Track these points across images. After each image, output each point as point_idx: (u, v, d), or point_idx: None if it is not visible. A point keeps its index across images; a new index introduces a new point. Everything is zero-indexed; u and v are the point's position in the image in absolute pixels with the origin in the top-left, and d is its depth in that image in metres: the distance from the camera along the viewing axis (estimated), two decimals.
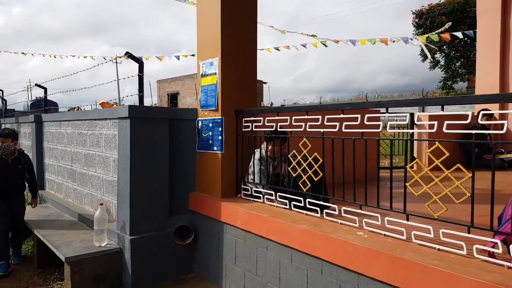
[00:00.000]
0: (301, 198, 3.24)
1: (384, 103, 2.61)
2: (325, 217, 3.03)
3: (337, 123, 2.90)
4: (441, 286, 1.99)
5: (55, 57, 14.08)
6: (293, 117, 3.30)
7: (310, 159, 3.17)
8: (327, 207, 3.05)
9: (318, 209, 3.11)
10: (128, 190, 3.96)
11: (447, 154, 2.19)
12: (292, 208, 3.34)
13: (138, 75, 4.14)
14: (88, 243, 4.15)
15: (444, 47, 26.09)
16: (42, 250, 4.65)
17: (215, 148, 4.06)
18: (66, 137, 5.84)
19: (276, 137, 3.66)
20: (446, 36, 12.59)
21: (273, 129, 3.58)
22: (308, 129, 3.16)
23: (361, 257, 2.43)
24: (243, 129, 3.93)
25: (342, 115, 2.86)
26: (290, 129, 3.40)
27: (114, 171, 4.44)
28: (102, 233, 4.09)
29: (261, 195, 3.72)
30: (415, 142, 6.47)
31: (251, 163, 3.93)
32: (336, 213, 2.95)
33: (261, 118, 3.67)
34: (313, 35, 12.55)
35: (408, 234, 2.44)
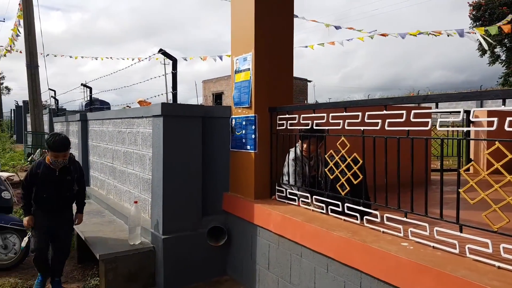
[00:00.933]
0: (339, 203, 2.98)
1: (434, 97, 2.29)
2: (365, 224, 2.74)
3: (379, 121, 2.61)
4: None
5: (106, 58, 14.65)
6: (330, 114, 3.04)
7: (349, 159, 2.90)
8: (368, 213, 2.77)
9: (357, 215, 2.83)
10: (161, 189, 3.88)
11: (510, 156, 1.84)
12: (329, 213, 3.07)
13: (172, 72, 4.06)
14: (123, 241, 4.13)
15: (505, 40, 24.32)
16: (82, 246, 4.70)
17: (248, 147, 3.88)
18: (108, 135, 5.92)
19: (312, 136, 3.41)
20: (508, 27, 11.58)
21: (308, 127, 3.34)
22: (346, 127, 2.88)
23: (406, 271, 2.13)
24: (277, 127, 3.72)
25: (384, 112, 2.57)
26: (327, 127, 3.15)
27: (149, 169, 4.40)
28: (136, 231, 4.05)
29: (296, 198, 3.49)
30: (472, 143, 5.91)
31: (286, 163, 3.70)
32: (378, 220, 2.66)
33: (296, 116, 3.44)
34: (359, 30, 12.06)
35: (461, 247, 2.11)
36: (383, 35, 12.10)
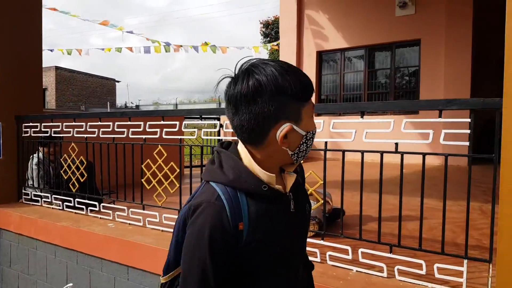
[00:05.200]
0: (71, 199, 3.52)
1: (129, 113, 3.09)
2: (89, 213, 3.37)
3: (96, 130, 3.28)
4: (150, 257, 2.54)
5: None
6: (64, 123, 3.55)
7: (77, 162, 3.47)
8: (92, 205, 3.40)
9: (84, 207, 3.44)
10: None
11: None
12: (65, 209, 3.58)
13: None
14: None
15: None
16: None
17: None
18: None
19: (51, 141, 3.84)
20: (275, 47, 14.51)
21: (48, 134, 3.76)
22: (75, 135, 3.45)
23: (102, 244, 2.85)
24: (23, 135, 3.99)
25: (99, 122, 3.25)
26: (63, 135, 3.64)
27: None
28: None
29: (39, 199, 3.86)
30: None
31: (30, 168, 4.01)
32: (97, 209, 3.33)
33: (38, 124, 3.81)
34: (153, 41, 12.75)
35: (144, 221, 2.96)
36: (177, 46, 13.14)
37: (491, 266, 1.87)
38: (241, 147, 0.97)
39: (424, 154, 1.94)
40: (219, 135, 2.84)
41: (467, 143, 1.76)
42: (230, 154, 0.96)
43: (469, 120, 1.76)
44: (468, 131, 1.76)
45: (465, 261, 1.88)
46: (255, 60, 0.92)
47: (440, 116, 1.83)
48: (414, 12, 7.62)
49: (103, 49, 14.39)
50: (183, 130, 2.88)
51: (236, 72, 0.93)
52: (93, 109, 29.14)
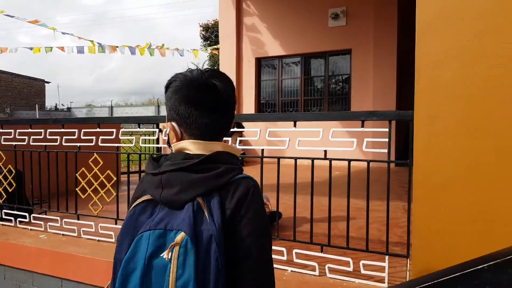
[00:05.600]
0: None
1: (62, 120, 2.98)
2: (18, 225, 3.20)
3: (26, 137, 3.12)
4: (85, 267, 2.49)
5: None
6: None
7: (5, 171, 3.27)
8: (21, 216, 3.22)
9: (12, 218, 3.25)
10: None
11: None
12: None
13: None
14: None
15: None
16: None
17: None
18: None
19: None
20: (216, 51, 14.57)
21: None
22: (3, 142, 3.26)
23: (33, 257, 2.72)
24: None
25: (30, 130, 3.10)
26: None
27: None
28: None
29: None
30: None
31: None
32: (27, 220, 3.16)
33: None
34: (91, 41, 12.23)
35: (78, 231, 2.88)
36: (112, 48, 12.64)
37: (408, 260, 2.09)
38: (204, 146, 1.02)
39: (349, 161, 2.12)
40: (158, 142, 2.85)
41: (386, 150, 1.96)
42: (222, 152, 1.02)
43: (387, 129, 1.96)
44: (387, 140, 1.96)
45: (387, 257, 2.08)
46: (210, 68, 1.07)
47: (362, 126, 2.02)
48: (346, 23, 8.10)
49: (31, 49, 13.46)
50: (121, 138, 2.85)
51: (205, 78, 1.02)
52: (20, 111, 27.20)
